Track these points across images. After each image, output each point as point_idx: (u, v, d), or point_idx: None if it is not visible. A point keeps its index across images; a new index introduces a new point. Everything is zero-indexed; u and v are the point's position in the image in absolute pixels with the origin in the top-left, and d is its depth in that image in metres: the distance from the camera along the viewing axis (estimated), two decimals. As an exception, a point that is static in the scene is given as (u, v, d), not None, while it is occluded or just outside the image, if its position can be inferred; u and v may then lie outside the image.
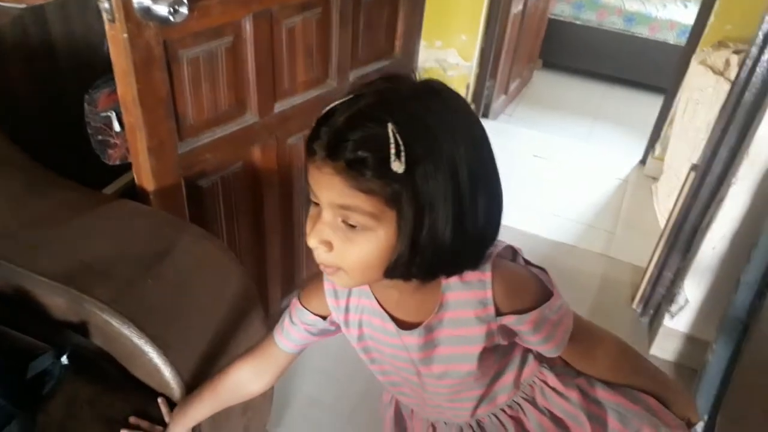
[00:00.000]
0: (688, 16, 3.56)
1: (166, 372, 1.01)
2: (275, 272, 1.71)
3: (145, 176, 1.23)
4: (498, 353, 0.78)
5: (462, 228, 0.63)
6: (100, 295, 1.02)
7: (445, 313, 0.73)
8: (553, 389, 0.81)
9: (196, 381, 1.02)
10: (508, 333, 0.75)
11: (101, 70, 1.18)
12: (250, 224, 1.55)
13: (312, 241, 0.65)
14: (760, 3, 1.50)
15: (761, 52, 1.42)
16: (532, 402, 0.82)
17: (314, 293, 0.83)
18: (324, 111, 0.63)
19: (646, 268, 2.01)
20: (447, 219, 0.61)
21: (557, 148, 3.15)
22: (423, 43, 2.97)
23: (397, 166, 0.58)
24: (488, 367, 0.78)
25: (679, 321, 1.80)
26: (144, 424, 1.01)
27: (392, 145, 0.58)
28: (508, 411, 0.84)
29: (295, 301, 0.86)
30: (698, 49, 2.49)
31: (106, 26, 1.06)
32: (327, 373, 1.77)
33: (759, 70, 1.43)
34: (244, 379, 0.93)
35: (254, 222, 1.56)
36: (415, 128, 0.59)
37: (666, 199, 2.52)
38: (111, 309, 1.00)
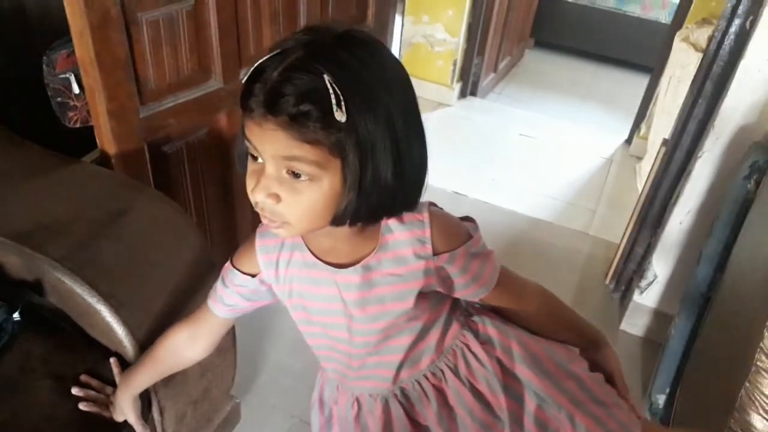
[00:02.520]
0: (680, -5, 3.52)
1: (119, 330, 1.03)
2: (245, 238, 1.72)
3: (106, 140, 1.23)
4: (432, 300, 0.80)
5: (401, 170, 0.66)
6: (54, 253, 1.03)
7: (385, 253, 0.75)
8: (474, 355, 0.83)
9: (149, 340, 1.02)
10: (444, 278, 0.78)
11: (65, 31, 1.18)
12: (217, 191, 1.55)
13: (258, 196, 0.66)
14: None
15: (729, 24, 1.41)
16: (455, 371, 0.84)
17: (245, 253, 0.84)
18: (252, 68, 0.64)
19: (619, 245, 2.02)
20: (388, 162, 0.64)
21: (544, 127, 3.14)
22: (410, 18, 2.97)
23: (340, 116, 0.60)
24: (422, 311, 0.79)
25: (647, 296, 1.81)
26: (95, 383, 1.03)
27: (332, 96, 0.60)
28: (431, 378, 0.84)
29: (227, 264, 0.86)
30: (683, 27, 2.47)
31: (61, -14, 1.06)
32: (296, 340, 1.77)
33: (726, 42, 1.42)
34: (179, 345, 0.94)
35: (221, 189, 1.56)
36: (350, 78, 0.61)
37: (648, 178, 2.52)
38: (63, 267, 1.01)
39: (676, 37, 2.41)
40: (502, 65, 3.52)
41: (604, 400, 0.85)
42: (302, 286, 0.80)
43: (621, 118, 3.26)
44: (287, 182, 0.65)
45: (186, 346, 0.93)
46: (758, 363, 0.98)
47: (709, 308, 1.44)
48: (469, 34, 3.02)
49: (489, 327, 0.85)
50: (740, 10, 1.39)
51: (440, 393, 0.85)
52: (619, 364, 0.91)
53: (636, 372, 1.77)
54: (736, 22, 1.41)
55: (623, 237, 1.99)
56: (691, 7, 2.48)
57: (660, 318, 1.81)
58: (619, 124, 3.20)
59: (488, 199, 2.48)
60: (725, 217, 1.37)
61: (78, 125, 1.24)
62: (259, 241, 0.82)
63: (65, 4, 1.08)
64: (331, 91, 0.60)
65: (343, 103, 0.60)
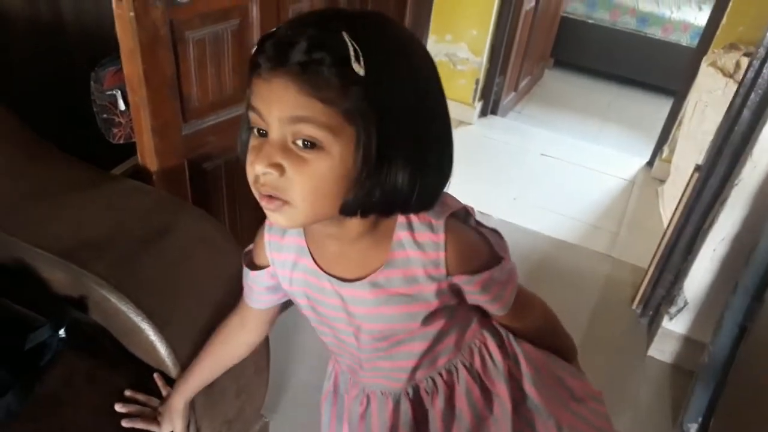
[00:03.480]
0: (702, 18, 3.53)
1: (162, 349, 1.02)
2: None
3: (148, 156, 1.24)
4: (446, 313, 0.75)
5: (424, 152, 0.60)
6: (99, 270, 1.03)
7: (394, 270, 0.69)
8: (490, 354, 0.81)
9: (191, 358, 1.03)
10: (457, 292, 0.73)
11: (110, 48, 1.19)
12: (253, 210, 1.55)
13: (259, 167, 0.58)
14: (772, 5, 1.49)
15: (769, 53, 1.41)
16: (469, 368, 0.81)
17: (255, 249, 0.83)
18: (262, 36, 0.59)
19: (647, 269, 2.00)
20: (408, 139, 0.58)
21: (565, 147, 3.14)
22: (433, 37, 2.98)
23: (358, 68, 0.54)
24: (436, 321, 0.75)
25: (677, 323, 1.79)
26: (141, 396, 1.02)
27: (350, 48, 0.54)
28: (445, 375, 0.81)
29: (245, 271, 0.85)
30: (709, 51, 2.48)
31: (114, 4, 1.08)
32: (323, 358, 1.77)
33: (765, 71, 1.42)
34: (232, 331, 0.94)
35: (257, 209, 1.56)
36: (370, 39, 0.56)
37: (672, 202, 2.50)
38: (109, 285, 1.02)
39: (702, 62, 2.41)
40: (522, 84, 3.53)
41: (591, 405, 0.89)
42: (311, 291, 0.77)
43: (642, 140, 3.26)
44: (292, 152, 0.57)
45: (239, 331, 0.93)
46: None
47: (745, 338, 1.43)
48: (492, 54, 3.04)
49: (501, 330, 0.84)
50: (780, 38, 1.40)
51: (450, 389, 0.82)
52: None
53: (665, 399, 1.75)
54: (776, 51, 1.41)
55: (651, 261, 1.98)
56: (717, 32, 2.48)
57: (690, 345, 1.79)
58: (640, 146, 3.20)
59: (511, 219, 2.47)
60: (763, 248, 1.36)
61: (122, 141, 1.25)
62: (267, 236, 0.78)
63: (117, 23, 1.10)
64: (348, 44, 0.54)
65: (361, 59, 0.54)
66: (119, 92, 1.20)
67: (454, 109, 3.16)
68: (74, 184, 1.22)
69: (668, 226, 1.91)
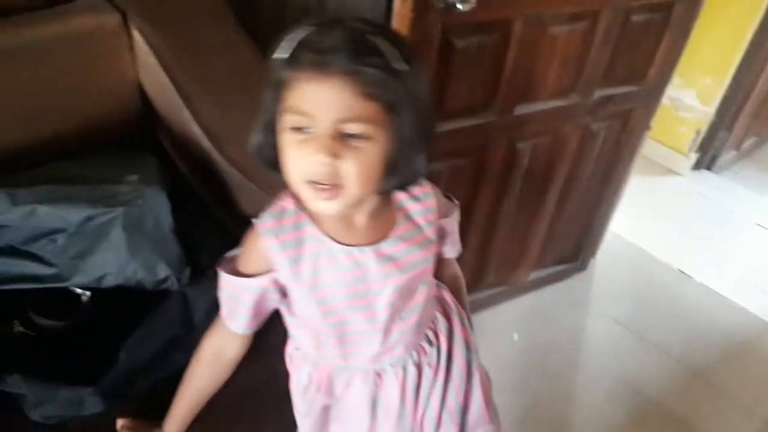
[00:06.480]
0: None
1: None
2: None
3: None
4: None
5: (429, 137, 0.72)
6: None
7: (404, 225, 0.80)
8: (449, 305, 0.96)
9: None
10: (440, 236, 0.87)
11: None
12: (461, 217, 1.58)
13: (320, 156, 0.64)
14: None
15: None
16: (445, 317, 0.94)
17: (245, 257, 0.79)
18: (284, 38, 0.66)
19: None
20: (429, 119, 0.72)
21: (785, 221, 2.80)
22: (660, 78, 2.81)
23: (403, 66, 0.64)
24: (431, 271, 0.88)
25: None
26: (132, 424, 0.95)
27: (394, 48, 0.64)
28: (435, 329, 0.92)
29: (225, 277, 0.79)
30: None
31: (398, 2, 1.14)
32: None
33: None
34: (216, 344, 0.85)
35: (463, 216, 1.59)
36: (399, 41, 0.67)
37: None
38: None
39: None
40: (746, 144, 3.20)
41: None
42: (329, 277, 0.78)
43: None
44: (346, 143, 0.65)
45: (224, 349, 0.85)
46: None
47: None
48: (722, 107, 2.79)
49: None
50: None
51: (437, 339, 0.92)
52: None
53: None
54: None
55: None
56: None
57: None
58: None
59: (714, 287, 2.26)
60: None
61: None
62: (270, 239, 0.75)
63: (395, 19, 1.16)
64: (390, 44, 0.64)
65: (402, 57, 0.64)
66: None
67: (667, 157, 2.96)
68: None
69: None
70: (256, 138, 0.73)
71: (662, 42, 1.60)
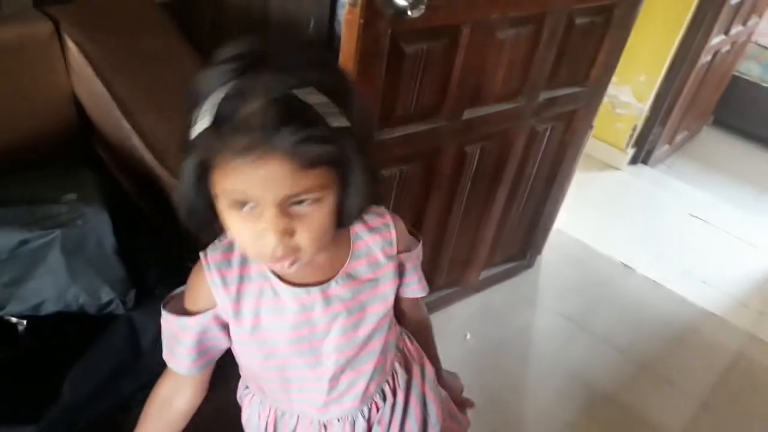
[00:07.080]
0: None
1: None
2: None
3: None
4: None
5: (370, 161, 0.65)
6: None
7: (359, 260, 0.76)
8: (408, 350, 0.91)
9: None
10: (400, 273, 0.81)
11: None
12: (410, 222, 1.57)
13: (274, 238, 0.60)
14: None
15: None
16: (405, 369, 0.89)
17: (189, 293, 0.75)
18: (212, 103, 0.57)
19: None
20: (365, 152, 0.64)
21: (716, 211, 2.94)
22: (598, 76, 2.89)
23: (344, 122, 0.59)
24: (389, 315, 0.82)
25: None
26: None
27: (332, 105, 0.57)
28: (391, 383, 0.87)
29: (168, 318, 0.74)
30: None
31: (345, 9, 1.12)
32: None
33: None
34: (167, 396, 0.80)
35: (413, 221, 1.58)
36: (331, 75, 0.61)
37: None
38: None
39: None
40: (678, 138, 3.34)
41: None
42: (271, 317, 0.73)
43: (805, 218, 2.99)
44: (295, 213, 0.61)
45: (173, 397, 0.80)
46: None
47: None
48: (656, 103, 2.90)
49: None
50: None
51: (393, 394, 0.87)
52: None
53: None
54: None
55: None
56: None
57: None
58: (802, 224, 2.93)
59: (654, 277, 2.34)
60: None
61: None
62: (210, 275, 0.72)
63: (344, 27, 1.13)
64: (323, 94, 0.57)
65: (342, 110, 0.58)
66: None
67: (605, 152, 3.05)
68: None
69: None
70: (183, 203, 0.64)
71: (603, 43, 1.64)
